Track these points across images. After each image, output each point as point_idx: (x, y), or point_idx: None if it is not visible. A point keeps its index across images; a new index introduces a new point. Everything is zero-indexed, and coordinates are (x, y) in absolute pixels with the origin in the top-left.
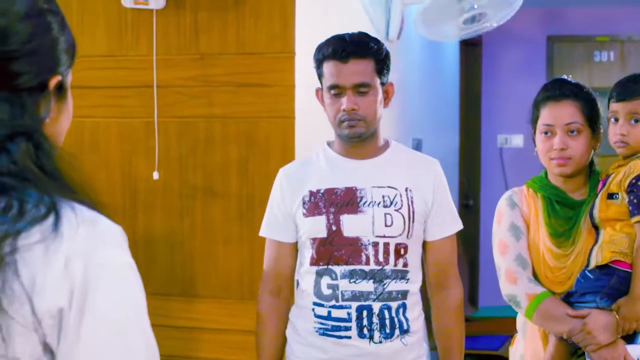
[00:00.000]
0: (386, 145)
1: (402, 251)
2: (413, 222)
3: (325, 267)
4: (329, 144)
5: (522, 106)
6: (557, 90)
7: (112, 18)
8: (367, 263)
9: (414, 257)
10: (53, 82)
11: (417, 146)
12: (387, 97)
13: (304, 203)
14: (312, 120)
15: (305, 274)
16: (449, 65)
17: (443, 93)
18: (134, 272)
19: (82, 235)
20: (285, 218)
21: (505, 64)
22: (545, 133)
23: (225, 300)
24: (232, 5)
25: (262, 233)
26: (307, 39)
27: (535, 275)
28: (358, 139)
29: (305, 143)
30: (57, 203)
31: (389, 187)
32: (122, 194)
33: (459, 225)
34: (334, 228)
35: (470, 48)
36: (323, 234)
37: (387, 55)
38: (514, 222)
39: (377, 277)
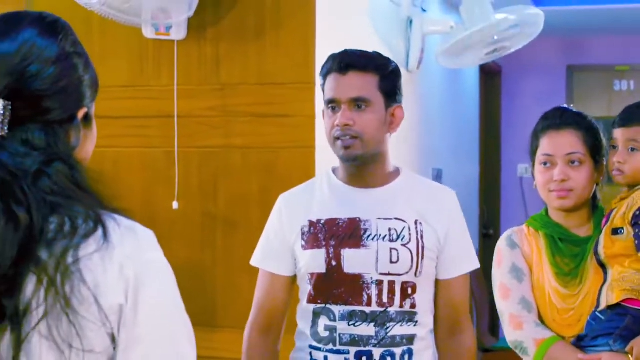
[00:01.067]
0: (396, 173)
1: (410, 291)
2: (422, 258)
3: (323, 306)
4: (334, 170)
5: None
6: (557, 118)
7: (134, 49)
8: (369, 304)
9: (424, 297)
10: (80, 114)
11: (438, 176)
12: (393, 121)
13: (303, 234)
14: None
15: (303, 313)
16: (469, 94)
17: (463, 122)
18: (169, 268)
19: (128, 242)
20: (282, 248)
21: (525, 94)
22: (545, 164)
23: None
24: (253, 36)
25: (253, 262)
26: None
27: (541, 319)
28: (356, 162)
29: None
30: (101, 216)
31: (396, 219)
32: (142, 223)
33: (474, 264)
34: (333, 263)
35: (490, 77)
36: (322, 269)
37: (396, 74)
38: (515, 263)
39: (380, 320)
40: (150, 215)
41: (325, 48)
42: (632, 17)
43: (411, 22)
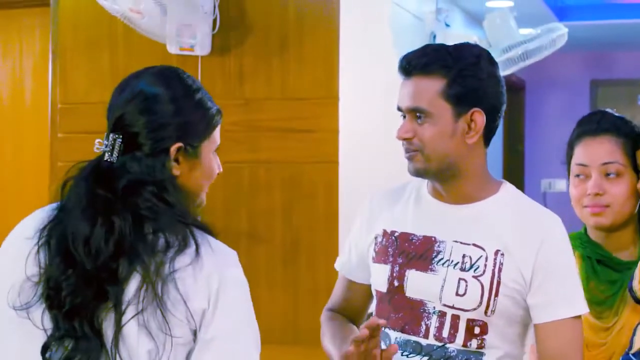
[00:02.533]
0: (495, 189)
1: (477, 330)
2: (497, 296)
3: (382, 329)
4: None
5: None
6: (594, 123)
7: (158, 64)
8: (426, 336)
9: (498, 340)
10: (173, 148)
11: None
12: (471, 129)
13: (375, 244)
14: (356, 164)
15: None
16: None
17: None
18: (246, 283)
19: (215, 259)
20: (359, 255)
21: (549, 108)
22: (578, 175)
23: (268, 345)
24: (276, 51)
25: (335, 265)
26: (350, 85)
27: None
28: (424, 177)
29: (350, 188)
30: (191, 233)
31: (474, 245)
32: None
33: (577, 309)
34: (396, 283)
35: (514, 92)
36: (383, 287)
37: (474, 72)
38: None
39: (435, 355)
40: None
41: (348, 63)
42: None
43: (434, 36)
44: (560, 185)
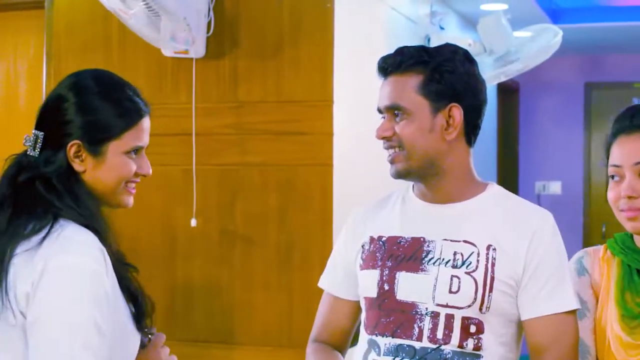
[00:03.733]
0: (481, 188)
1: (473, 329)
2: (491, 291)
3: (372, 337)
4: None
5: (560, 153)
6: (627, 120)
7: (152, 66)
8: (419, 339)
9: (494, 339)
10: (69, 146)
11: None
12: (449, 124)
13: (362, 252)
14: (351, 167)
15: (360, 343)
16: (486, 112)
17: (480, 140)
18: (77, 272)
19: (55, 245)
20: (345, 268)
21: (543, 111)
22: (613, 177)
23: (264, 347)
24: (271, 54)
25: (319, 283)
26: (345, 88)
27: None
28: (406, 178)
29: (344, 191)
30: (54, 223)
31: (465, 241)
32: (161, 241)
33: (565, 304)
34: (386, 287)
35: (508, 95)
36: (373, 293)
37: (450, 67)
38: (579, 294)
39: (430, 359)
40: (169, 232)
41: (343, 66)
42: None
43: (429, 39)
44: (554, 187)
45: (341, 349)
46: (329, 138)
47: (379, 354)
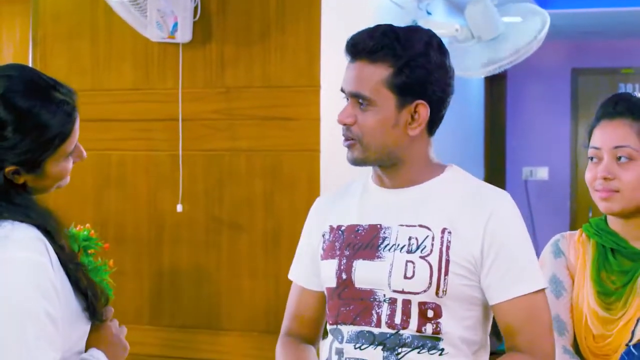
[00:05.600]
0: (439, 171)
1: (431, 314)
2: (446, 275)
3: (335, 326)
4: None
5: (547, 138)
6: (610, 107)
7: (139, 52)
8: (378, 325)
9: (455, 323)
10: (6, 171)
11: None
12: (414, 120)
13: (323, 242)
14: (338, 153)
15: (328, 333)
16: (473, 98)
17: (468, 126)
18: (28, 267)
19: None
20: (311, 259)
21: (530, 97)
22: (592, 159)
23: (250, 333)
24: (258, 39)
25: (289, 274)
26: (332, 73)
27: (576, 345)
28: (361, 165)
29: (331, 177)
30: None
31: (420, 226)
32: (148, 226)
33: (535, 284)
34: (344, 276)
35: (495, 81)
36: (332, 283)
37: (422, 63)
38: (555, 274)
39: (389, 343)
40: (155, 218)
41: (330, 51)
42: (637, 20)
43: (416, 24)
44: (541, 173)
45: (313, 339)
46: (316, 124)
47: (341, 342)
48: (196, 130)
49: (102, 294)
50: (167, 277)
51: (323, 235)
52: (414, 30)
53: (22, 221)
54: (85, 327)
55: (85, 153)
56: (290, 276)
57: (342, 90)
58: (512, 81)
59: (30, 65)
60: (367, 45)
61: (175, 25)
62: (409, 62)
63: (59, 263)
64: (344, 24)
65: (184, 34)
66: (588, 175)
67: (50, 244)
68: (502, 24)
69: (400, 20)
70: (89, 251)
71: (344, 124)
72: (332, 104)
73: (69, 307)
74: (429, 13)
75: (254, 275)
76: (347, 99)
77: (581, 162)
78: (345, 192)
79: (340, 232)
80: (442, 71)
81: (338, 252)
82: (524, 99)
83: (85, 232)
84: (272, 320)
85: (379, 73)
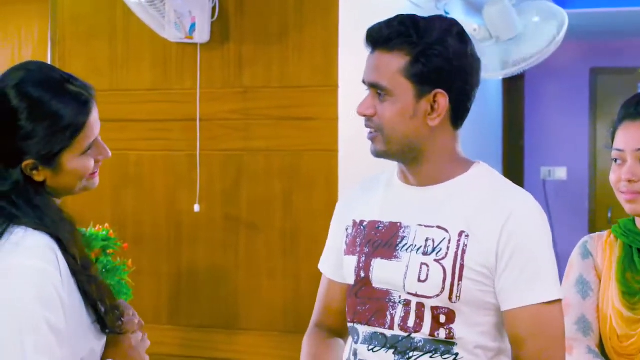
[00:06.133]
0: (464, 168)
1: (443, 318)
2: (460, 280)
3: (352, 324)
4: None
5: (566, 139)
6: (632, 107)
7: (157, 52)
8: (391, 327)
9: (469, 329)
10: (24, 165)
11: None
12: (433, 110)
13: (347, 236)
14: (356, 153)
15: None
16: (492, 98)
17: (486, 126)
18: (34, 274)
19: (4, 249)
20: (337, 251)
21: (548, 97)
22: (616, 160)
23: (269, 333)
24: (275, 39)
25: (318, 265)
26: (350, 73)
27: (602, 346)
28: (384, 158)
29: (349, 176)
30: (5, 230)
31: (438, 227)
32: (166, 226)
33: (545, 294)
34: (362, 275)
35: (513, 80)
36: (351, 280)
37: (439, 51)
38: (583, 275)
39: (401, 347)
40: (173, 218)
41: (348, 51)
42: None
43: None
44: (560, 173)
45: (341, 331)
46: (334, 123)
47: (357, 342)
48: (214, 130)
49: (116, 307)
50: (185, 277)
51: (346, 229)
52: (434, 19)
53: (35, 228)
54: (98, 339)
55: (109, 151)
56: (319, 267)
57: (364, 82)
58: (530, 81)
59: None
60: (383, 34)
61: (193, 25)
62: (425, 50)
63: (69, 273)
64: (362, 23)
65: (202, 35)
66: (612, 177)
67: (62, 253)
68: (520, 24)
69: None
70: (108, 251)
71: (364, 115)
72: (349, 103)
73: (78, 318)
74: (446, 13)
75: (272, 275)
76: (368, 91)
77: (600, 163)
78: (371, 186)
79: (362, 227)
80: (463, 60)
81: (358, 249)
82: (542, 99)
83: (104, 232)
84: (290, 320)
85: (395, 62)
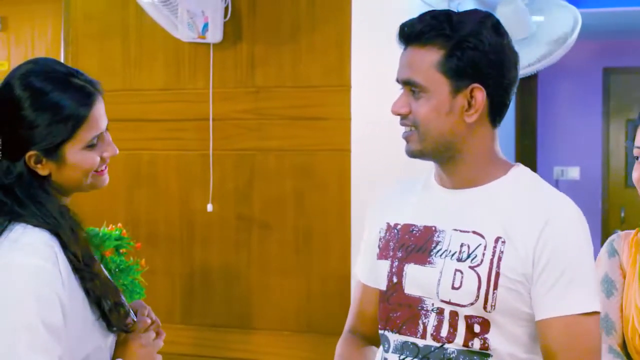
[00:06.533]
0: (503, 170)
1: (478, 328)
2: (495, 288)
3: (383, 332)
4: None
5: (579, 138)
6: None
7: (170, 52)
8: (423, 336)
9: (504, 339)
10: (27, 156)
11: None
12: (471, 106)
13: (379, 239)
14: (369, 153)
15: None
16: None
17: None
18: (16, 272)
19: (2, 246)
20: (370, 254)
21: (561, 97)
22: (637, 158)
23: (281, 332)
24: (288, 39)
25: (353, 270)
26: (363, 72)
27: (625, 345)
28: (419, 158)
29: (361, 176)
30: (5, 227)
31: (474, 232)
32: (179, 226)
33: (579, 305)
34: (394, 280)
35: (526, 80)
36: (383, 285)
37: (475, 44)
38: (608, 273)
39: (433, 358)
40: (186, 217)
41: (360, 51)
42: None
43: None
44: (572, 172)
45: (375, 338)
46: (346, 123)
47: (387, 351)
48: (227, 130)
49: (121, 304)
50: (198, 277)
51: (379, 232)
52: (468, 12)
53: (36, 225)
54: (105, 336)
55: (116, 149)
56: (354, 270)
57: (397, 81)
58: (543, 80)
59: None
60: (415, 29)
61: (206, 25)
62: (459, 43)
63: (70, 271)
64: (374, 23)
65: (215, 34)
66: (635, 175)
67: (63, 250)
68: (533, 24)
69: None
70: (121, 250)
71: (398, 114)
72: (362, 103)
73: (81, 315)
74: None
75: (284, 274)
76: (402, 89)
77: (613, 162)
78: (406, 188)
79: (395, 230)
80: (499, 53)
81: (391, 253)
82: (555, 99)
83: (117, 232)
84: (303, 319)
85: (429, 57)
